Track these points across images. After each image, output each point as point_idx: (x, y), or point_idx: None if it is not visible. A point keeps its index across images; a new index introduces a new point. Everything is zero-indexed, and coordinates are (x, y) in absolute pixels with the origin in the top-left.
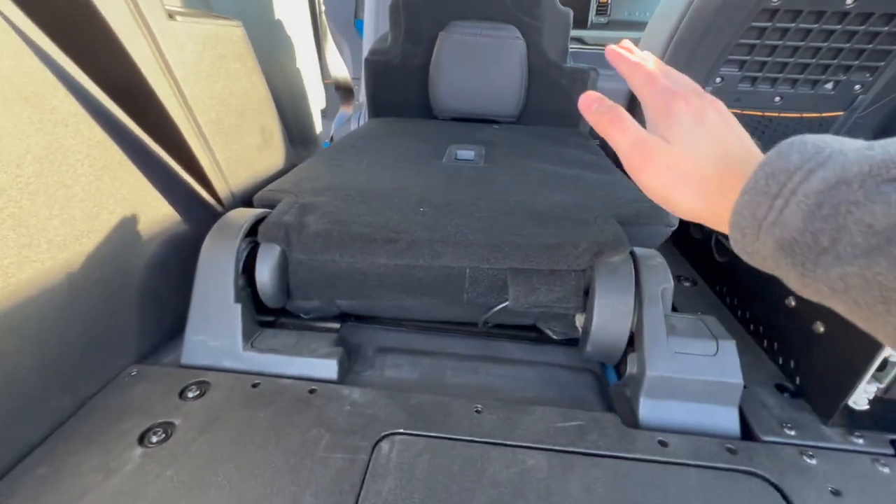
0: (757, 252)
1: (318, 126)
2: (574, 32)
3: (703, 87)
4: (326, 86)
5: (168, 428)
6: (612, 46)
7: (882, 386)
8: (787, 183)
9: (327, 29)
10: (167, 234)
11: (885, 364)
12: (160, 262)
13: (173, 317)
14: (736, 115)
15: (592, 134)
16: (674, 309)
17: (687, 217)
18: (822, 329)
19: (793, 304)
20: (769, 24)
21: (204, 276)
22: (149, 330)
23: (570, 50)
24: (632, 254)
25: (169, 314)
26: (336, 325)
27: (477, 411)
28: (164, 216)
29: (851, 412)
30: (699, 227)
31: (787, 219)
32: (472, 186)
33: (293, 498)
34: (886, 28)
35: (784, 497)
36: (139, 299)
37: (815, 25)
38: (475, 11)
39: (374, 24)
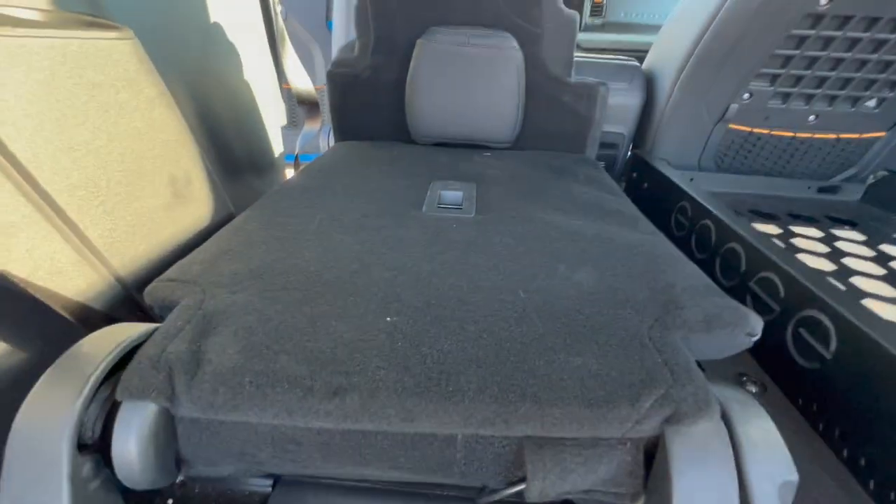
0: None
1: (278, 146)
2: None
3: (727, 106)
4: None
5: None
6: None
7: None
8: None
9: (285, 33)
10: None
11: None
12: None
13: None
14: (758, 137)
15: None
16: None
17: None
18: None
19: None
20: (812, 31)
21: (17, 472)
22: None
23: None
24: (722, 415)
25: None
26: (267, 486)
27: None
28: None
29: None
30: (767, 307)
31: None
32: (462, 262)
33: None
34: None
35: None
36: None
37: (866, 34)
38: (461, 14)
39: (345, 25)
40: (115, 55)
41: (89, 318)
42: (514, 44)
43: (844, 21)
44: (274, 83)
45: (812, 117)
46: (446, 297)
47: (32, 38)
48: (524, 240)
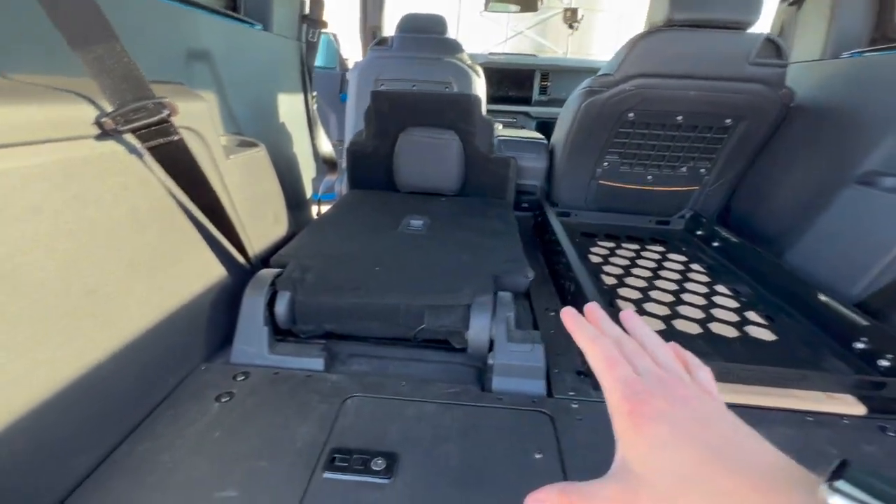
0: None
1: (309, 191)
2: (522, 108)
3: (595, 170)
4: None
5: (230, 394)
6: (569, 312)
7: None
8: None
9: (317, 118)
10: (220, 285)
11: None
12: (216, 302)
13: (223, 334)
14: (619, 189)
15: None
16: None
17: None
18: None
19: None
20: (631, 129)
21: (246, 311)
22: (209, 343)
23: (499, 138)
24: (495, 294)
25: (221, 333)
26: (323, 341)
27: (403, 385)
28: (218, 274)
29: None
30: (577, 289)
31: None
32: (413, 251)
33: (303, 426)
34: (710, 134)
35: (552, 422)
36: (204, 325)
37: (661, 132)
38: (426, 120)
39: (356, 98)
40: (258, 158)
41: (246, 268)
42: (457, 138)
43: (647, 125)
44: (310, 150)
45: (650, 177)
46: (403, 262)
47: (239, 158)
48: (447, 243)
